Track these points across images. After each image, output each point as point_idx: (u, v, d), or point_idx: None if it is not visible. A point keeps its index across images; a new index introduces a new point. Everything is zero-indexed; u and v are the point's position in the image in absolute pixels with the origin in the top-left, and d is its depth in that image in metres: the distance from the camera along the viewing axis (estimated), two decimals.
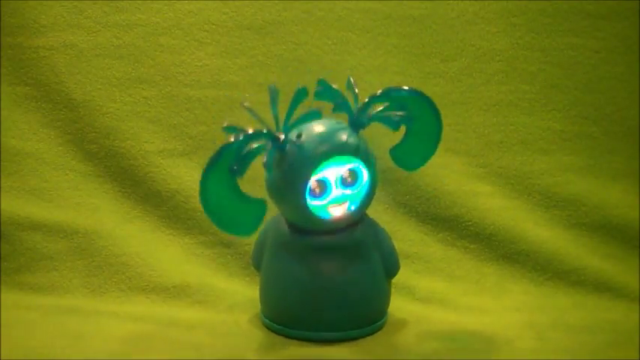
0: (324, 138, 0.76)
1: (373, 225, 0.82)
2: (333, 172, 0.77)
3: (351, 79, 0.79)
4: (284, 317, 0.80)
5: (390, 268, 0.82)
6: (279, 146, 0.76)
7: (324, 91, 0.78)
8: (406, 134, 0.81)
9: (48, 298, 0.88)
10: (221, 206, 0.76)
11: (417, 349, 0.78)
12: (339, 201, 0.78)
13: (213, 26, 0.98)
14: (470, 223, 0.96)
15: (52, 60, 0.97)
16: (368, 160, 0.78)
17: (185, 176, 0.96)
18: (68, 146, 0.97)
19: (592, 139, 0.99)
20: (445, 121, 0.98)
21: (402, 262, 0.84)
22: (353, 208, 0.78)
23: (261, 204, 0.77)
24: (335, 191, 0.78)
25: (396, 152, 0.82)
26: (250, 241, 0.87)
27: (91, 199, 0.95)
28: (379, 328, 0.82)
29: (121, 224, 0.94)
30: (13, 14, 0.96)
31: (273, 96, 0.76)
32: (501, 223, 0.96)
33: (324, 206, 0.78)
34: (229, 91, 0.97)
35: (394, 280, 0.84)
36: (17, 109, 0.96)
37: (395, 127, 0.79)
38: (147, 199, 0.96)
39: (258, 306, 0.84)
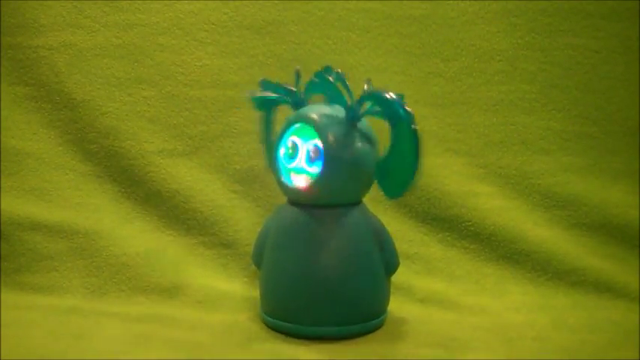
0: (307, 109, 0.80)
1: (374, 220, 0.82)
2: (305, 142, 0.79)
3: (341, 73, 0.78)
4: (284, 313, 0.80)
5: (390, 264, 0.82)
6: (296, 102, 0.81)
7: (319, 83, 0.79)
8: (388, 154, 0.78)
9: (48, 298, 0.88)
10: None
11: (417, 349, 0.78)
12: (299, 171, 0.80)
13: (213, 26, 0.98)
14: (470, 223, 0.96)
15: (52, 60, 0.97)
16: (331, 144, 0.77)
17: (185, 176, 0.96)
18: (68, 146, 0.97)
19: (592, 139, 0.99)
20: (445, 121, 0.98)
21: (402, 262, 0.84)
22: (313, 183, 0.79)
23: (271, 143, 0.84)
24: (300, 160, 0.79)
25: (378, 168, 0.79)
26: (250, 241, 0.87)
27: (91, 199, 0.95)
28: (379, 325, 0.82)
29: (121, 224, 0.94)
30: (13, 14, 0.96)
31: (297, 74, 0.81)
32: (501, 223, 0.96)
33: (289, 170, 0.80)
34: (229, 91, 0.97)
35: (394, 280, 0.84)
36: (17, 109, 0.96)
37: (385, 117, 0.76)
38: (147, 199, 0.96)
39: (258, 306, 0.84)
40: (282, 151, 0.80)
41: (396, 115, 0.76)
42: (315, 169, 0.78)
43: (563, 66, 0.99)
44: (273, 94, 0.82)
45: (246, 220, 0.95)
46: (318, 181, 0.78)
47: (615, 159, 0.99)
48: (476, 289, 0.92)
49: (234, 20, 0.99)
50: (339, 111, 0.79)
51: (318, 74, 0.79)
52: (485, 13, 0.99)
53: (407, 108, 0.76)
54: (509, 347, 0.79)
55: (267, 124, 0.85)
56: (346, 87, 0.78)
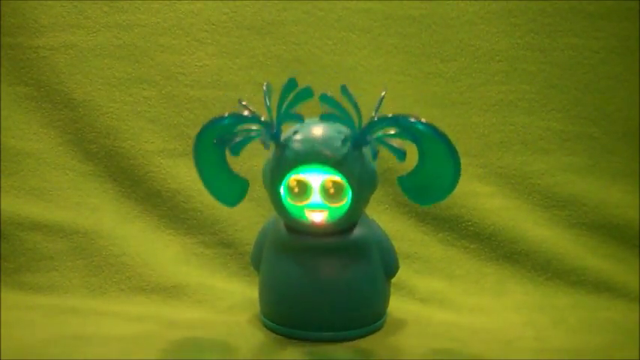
0: (311, 142, 0.75)
1: (372, 225, 0.82)
2: (316, 177, 0.76)
3: (347, 88, 0.75)
4: (283, 317, 0.80)
5: (389, 268, 0.82)
6: (272, 134, 0.76)
7: (330, 100, 0.75)
8: (418, 167, 0.77)
9: (48, 298, 0.88)
10: (210, 174, 0.81)
11: (417, 349, 0.78)
12: (317, 207, 0.77)
13: (213, 26, 0.98)
14: (470, 223, 0.96)
15: (52, 60, 0.97)
16: (355, 178, 0.75)
17: (185, 176, 0.96)
18: (68, 146, 0.97)
19: (592, 139, 0.99)
20: (445, 121, 0.98)
21: (402, 262, 0.84)
22: (331, 219, 0.77)
23: (244, 183, 0.81)
24: (315, 197, 0.77)
25: (405, 183, 0.78)
26: (250, 241, 0.87)
27: (91, 199, 0.95)
28: (378, 329, 0.82)
29: (121, 224, 0.94)
30: (13, 14, 0.96)
31: (268, 90, 0.77)
32: (501, 223, 0.96)
33: (302, 208, 0.77)
34: (229, 91, 0.98)
35: (394, 280, 0.84)
36: (17, 109, 0.97)
37: (400, 157, 0.74)
38: (147, 199, 0.96)
39: (257, 306, 0.84)
40: (281, 190, 0.77)
41: (427, 134, 0.74)
42: (337, 203, 0.76)
43: (563, 66, 0.99)
44: (246, 136, 0.76)
45: (246, 220, 0.95)
46: (345, 215, 0.77)
47: (615, 159, 0.98)
48: (476, 289, 0.92)
49: (234, 20, 0.99)
50: (338, 132, 0.76)
51: (323, 96, 0.74)
52: (485, 13, 0.99)
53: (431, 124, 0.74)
54: (509, 347, 0.79)
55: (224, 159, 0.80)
56: (357, 109, 0.74)
